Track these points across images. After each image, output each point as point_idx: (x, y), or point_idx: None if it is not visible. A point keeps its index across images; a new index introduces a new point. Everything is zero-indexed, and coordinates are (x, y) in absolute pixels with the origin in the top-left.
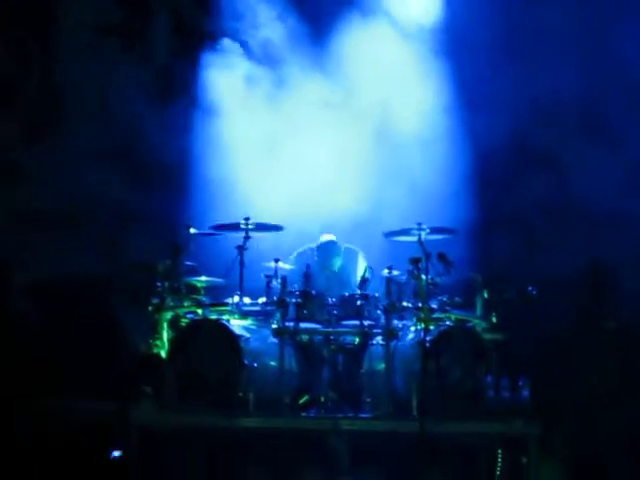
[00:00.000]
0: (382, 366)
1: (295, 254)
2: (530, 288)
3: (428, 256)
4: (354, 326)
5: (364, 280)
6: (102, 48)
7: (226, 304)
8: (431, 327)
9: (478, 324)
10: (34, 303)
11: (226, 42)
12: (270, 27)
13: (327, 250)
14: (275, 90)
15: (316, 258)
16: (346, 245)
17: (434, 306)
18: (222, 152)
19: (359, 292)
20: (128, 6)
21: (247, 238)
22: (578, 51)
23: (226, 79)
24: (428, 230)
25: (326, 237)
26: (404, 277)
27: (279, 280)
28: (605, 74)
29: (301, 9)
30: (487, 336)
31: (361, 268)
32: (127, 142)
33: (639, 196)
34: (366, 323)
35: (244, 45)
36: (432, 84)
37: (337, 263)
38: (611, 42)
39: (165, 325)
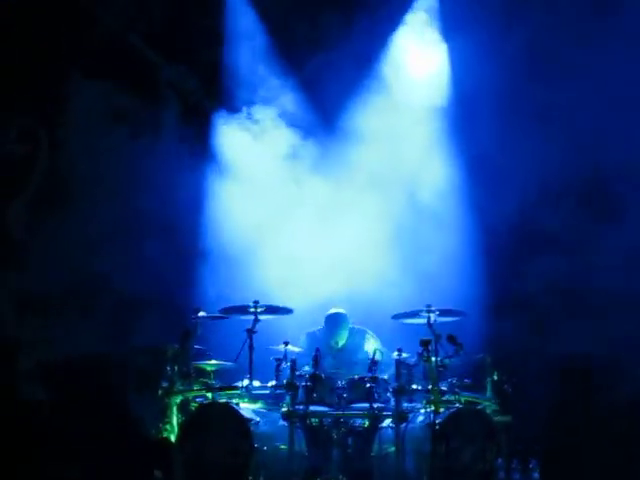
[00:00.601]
0: (392, 448)
1: (304, 335)
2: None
3: (438, 338)
4: (364, 409)
5: (374, 362)
6: (111, 134)
7: (236, 388)
8: (441, 409)
9: (488, 406)
10: (42, 387)
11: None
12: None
13: (334, 321)
14: (291, 163)
15: (323, 331)
16: (353, 325)
17: (444, 388)
18: (232, 234)
19: (369, 375)
20: (138, 92)
21: (256, 321)
22: (584, 129)
23: (237, 153)
24: (437, 312)
25: (334, 310)
26: (414, 359)
27: (288, 363)
28: (613, 153)
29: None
30: (497, 418)
31: (370, 347)
32: (135, 224)
33: None
34: (376, 406)
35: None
36: (442, 164)
37: (344, 335)
38: (618, 120)
39: (175, 409)
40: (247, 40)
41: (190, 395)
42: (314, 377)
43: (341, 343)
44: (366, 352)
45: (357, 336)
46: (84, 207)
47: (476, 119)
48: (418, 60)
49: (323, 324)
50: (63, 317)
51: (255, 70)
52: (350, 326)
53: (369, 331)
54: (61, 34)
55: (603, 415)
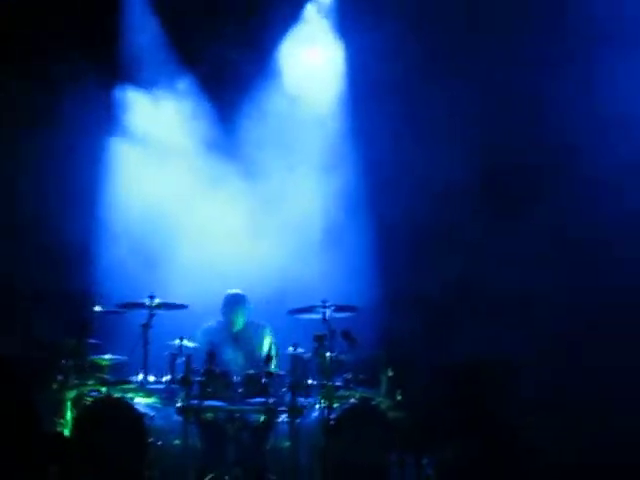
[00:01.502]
0: (287, 443)
1: (200, 331)
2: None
3: (332, 333)
4: (259, 403)
5: (269, 357)
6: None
7: (130, 382)
8: (335, 404)
9: (382, 402)
10: None
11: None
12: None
13: (233, 301)
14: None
15: (221, 321)
16: (254, 320)
17: (339, 383)
18: (128, 226)
19: (264, 370)
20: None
21: (152, 316)
22: (481, 128)
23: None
24: (333, 307)
25: (232, 290)
26: (309, 354)
27: (183, 358)
28: (509, 152)
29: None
30: (392, 414)
31: (266, 342)
32: (32, 220)
33: (544, 276)
34: (271, 401)
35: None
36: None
37: (242, 316)
38: (514, 118)
39: (69, 403)
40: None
41: (85, 389)
42: (208, 372)
43: (239, 325)
44: (263, 348)
45: (258, 329)
46: None
47: (374, 118)
48: (314, 57)
49: (220, 312)
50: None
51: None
52: (251, 320)
53: (268, 326)
54: None
55: (494, 413)
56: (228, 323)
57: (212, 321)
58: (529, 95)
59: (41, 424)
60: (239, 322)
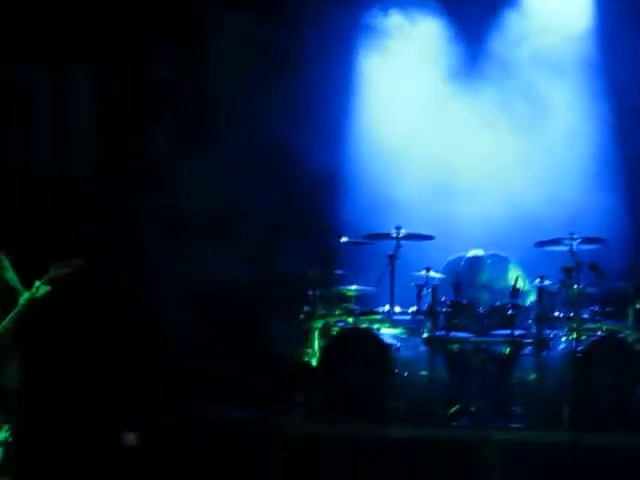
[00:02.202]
0: (533, 376)
1: (446, 262)
2: None
3: (580, 266)
4: (505, 336)
5: (516, 290)
6: (254, 64)
7: (377, 313)
8: (583, 337)
9: (630, 335)
10: (185, 312)
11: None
12: None
13: (473, 265)
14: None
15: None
16: (494, 252)
17: (586, 316)
18: (375, 159)
19: (510, 301)
20: (277, 25)
21: (398, 247)
22: None
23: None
24: (580, 240)
25: (473, 252)
26: (556, 287)
27: (430, 289)
28: None
29: None
30: (639, 346)
31: (512, 275)
32: (277, 152)
33: None
34: (517, 333)
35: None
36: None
37: (484, 278)
38: None
39: (316, 334)
40: None
41: (331, 320)
42: (455, 303)
43: (483, 280)
44: (508, 281)
45: (499, 265)
46: (229, 133)
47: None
48: None
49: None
50: (207, 244)
51: None
52: (492, 253)
53: (511, 259)
54: None
55: None
56: (470, 278)
57: (457, 257)
58: None
59: (288, 353)
60: (481, 280)
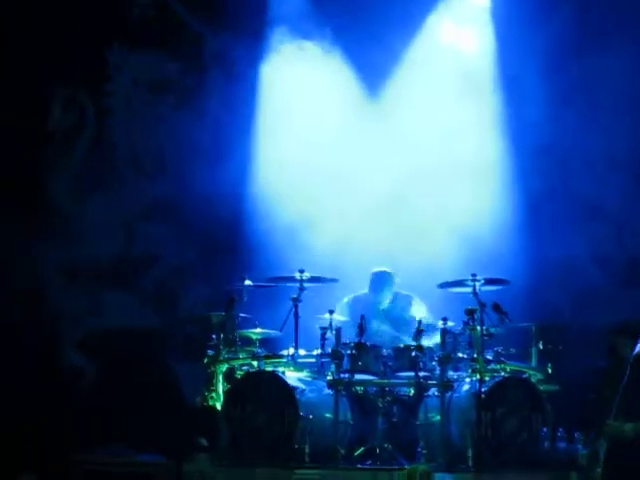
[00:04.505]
0: (437, 417)
1: (348, 299)
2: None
3: (483, 307)
4: (409, 377)
5: (419, 331)
6: (156, 104)
7: (281, 356)
8: (486, 378)
9: (533, 375)
10: (88, 357)
11: None
12: None
13: (379, 280)
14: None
15: (368, 294)
16: (399, 291)
17: (489, 357)
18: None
19: (414, 343)
20: (182, 62)
21: (302, 290)
22: None
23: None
24: (482, 281)
25: (378, 268)
26: (459, 328)
27: (334, 331)
28: None
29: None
30: (542, 387)
31: (416, 312)
32: (181, 196)
33: None
34: (421, 374)
35: None
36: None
37: (388, 294)
38: None
39: (220, 377)
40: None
41: (236, 363)
42: (359, 345)
43: (386, 303)
44: (412, 316)
45: (403, 301)
46: (131, 177)
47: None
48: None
49: (368, 289)
50: (109, 288)
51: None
52: (396, 291)
53: (415, 297)
54: (104, 4)
55: None
56: (375, 299)
57: (360, 292)
58: None
59: (191, 398)
60: (386, 299)
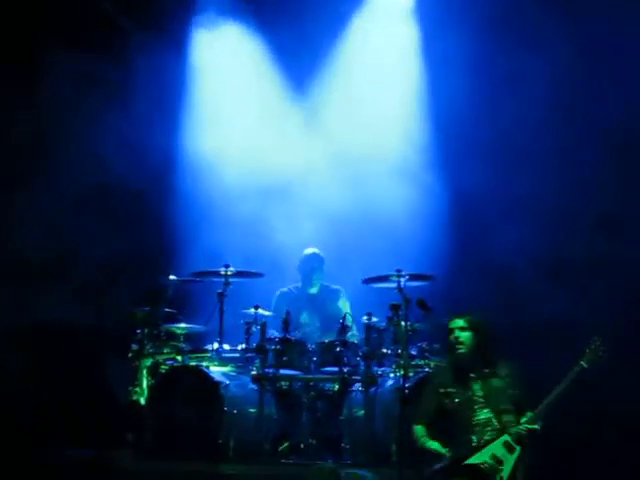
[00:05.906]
0: (362, 412)
1: (277, 295)
2: None
3: (407, 302)
4: (334, 373)
5: (344, 327)
6: (85, 98)
7: (206, 351)
8: (410, 373)
9: None
10: (16, 353)
11: None
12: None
13: (310, 261)
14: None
15: (298, 286)
16: (329, 284)
17: (413, 352)
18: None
19: (339, 339)
20: (109, 57)
21: (227, 284)
22: None
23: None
24: (407, 277)
25: (310, 250)
26: (383, 324)
27: (259, 326)
28: None
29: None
30: None
31: (343, 307)
32: (108, 191)
33: None
34: (345, 370)
35: None
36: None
37: (319, 277)
38: None
39: (145, 372)
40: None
41: (160, 358)
42: (284, 340)
43: (316, 286)
44: (340, 309)
45: (333, 293)
46: (60, 171)
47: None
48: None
49: (297, 270)
50: (38, 282)
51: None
52: (325, 284)
53: (343, 291)
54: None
55: None
56: (305, 284)
57: (288, 287)
58: None
59: (116, 393)
60: (316, 281)
